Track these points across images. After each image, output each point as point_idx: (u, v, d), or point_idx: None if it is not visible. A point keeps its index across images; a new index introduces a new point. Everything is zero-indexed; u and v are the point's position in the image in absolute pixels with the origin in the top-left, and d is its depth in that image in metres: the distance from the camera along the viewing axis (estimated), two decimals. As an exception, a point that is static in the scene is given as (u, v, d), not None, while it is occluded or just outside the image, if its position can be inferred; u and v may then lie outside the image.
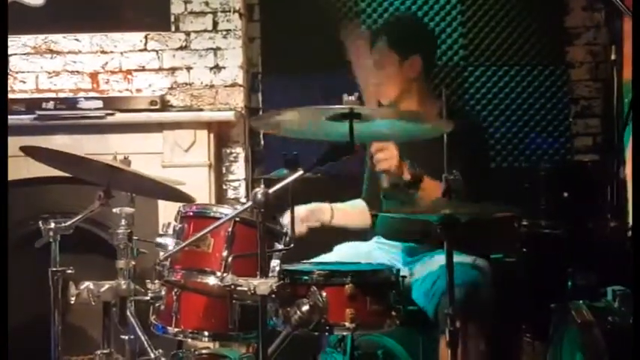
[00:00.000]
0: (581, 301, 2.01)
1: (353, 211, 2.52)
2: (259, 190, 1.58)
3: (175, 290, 1.97)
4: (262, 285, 1.59)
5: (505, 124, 3.31)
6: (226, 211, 1.89)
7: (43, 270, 3.24)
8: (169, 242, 1.90)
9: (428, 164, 1.96)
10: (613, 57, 3.25)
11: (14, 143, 3.12)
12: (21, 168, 3.18)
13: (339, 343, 2.13)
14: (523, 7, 3.30)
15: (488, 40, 3.32)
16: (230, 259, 1.78)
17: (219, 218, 1.83)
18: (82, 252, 3.11)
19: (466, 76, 3.32)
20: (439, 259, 2.12)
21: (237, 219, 1.79)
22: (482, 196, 1.88)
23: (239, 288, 1.66)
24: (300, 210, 2.33)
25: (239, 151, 3.38)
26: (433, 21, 3.29)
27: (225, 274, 1.75)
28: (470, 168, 1.95)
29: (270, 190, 1.59)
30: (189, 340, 2.23)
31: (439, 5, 3.33)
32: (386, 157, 2.03)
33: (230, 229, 1.81)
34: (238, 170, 3.34)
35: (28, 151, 2.04)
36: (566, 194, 2.64)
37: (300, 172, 1.66)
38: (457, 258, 1.84)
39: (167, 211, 3.00)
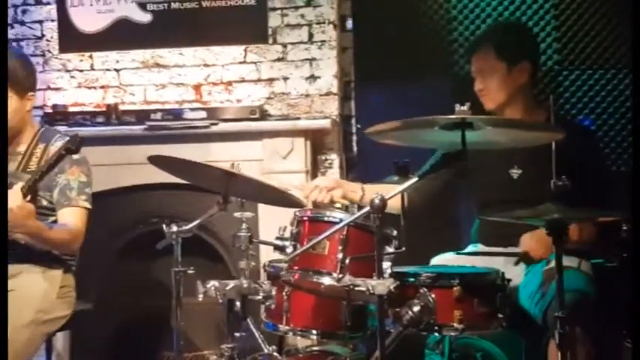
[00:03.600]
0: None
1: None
2: (377, 197, 1.68)
3: (286, 290, 2.08)
4: (380, 285, 1.68)
5: (602, 128, 3.29)
6: (340, 215, 1.99)
7: (151, 270, 3.49)
8: (287, 245, 2.03)
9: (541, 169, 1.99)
10: None
11: (123, 152, 3.40)
12: (127, 176, 3.40)
13: (437, 345, 2.19)
14: (618, 9, 3.27)
15: (582, 44, 3.31)
16: (347, 260, 1.88)
17: (333, 222, 1.93)
18: (187, 254, 3.30)
19: (561, 80, 3.32)
20: (542, 263, 2.17)
21: (352, 223, 1.89)
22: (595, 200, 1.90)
23: (357, 288, 1.76)
24: (328, 179, 2.30)
25: (334, 158, 3.49)
26: (530, 30, 3.28)
27: (342, 275, 1.85)
28: (582, 173, 1.99)
29: (387, 197, 1.68)
30: (299, 337, 2.33)
31: (532, 10, 3.34)
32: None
33: (344, 233, 1.91)
34: (333, 176, 3.43)
35: (155, 160, 2.21)
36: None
37: (414, 179, 1.75)
38: (564, 262, 1.88)
39: (266, 215, 3.15)
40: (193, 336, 3.48)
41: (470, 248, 2.52)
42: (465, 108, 1.70)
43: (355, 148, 3.54)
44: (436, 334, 1.94)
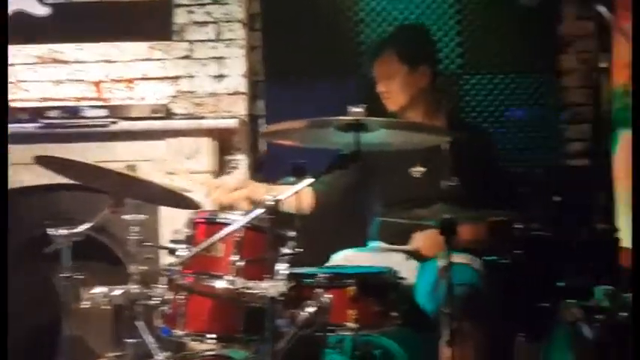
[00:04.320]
0: (571, 301, 2.10)
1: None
2: (269, 197, 1.66)
3: (182, 294, 2.03)
4: (271, 288, 1.67)
5: (499, 130, 3.40)
6: (235, 217, 1.96)
7: (46, 276, 3.34)
8: (180, 248, 1.98)
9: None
10: (603, 64, 3.35)
11: (19, 151, 3.23)
12: (22, 176, 3.25)
13: (338, 343, 2.20)
14: (518, 15, 3.37)
15: (484, 49, 3.41)
16: (241, 263, 1.86)
17: (228, 224, 1.90)
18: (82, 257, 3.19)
19: (462, 84, 3.41)
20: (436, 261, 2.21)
21: (247, 225, 1.87)
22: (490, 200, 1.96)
23: (248, 291, 1.74)
24: (232, 178, 2.30)
25: (241, 158, 3.45)
26: (430, 30, 3.35)
27: (235, 278, 1.83)
28: (477, 174, 2.05)
29: (280, 197, 1.67)
30: (195, 342, 2.28)
31: (436, 15, 3.41)
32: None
33: (240, 235, 1.88)
34: (240, 177, 3.34)
35: (42, 161, 2.11)
36: (558, 198, 2.73)
37: (310, 180, 1.75)
38: (454, 258, 1.93)
39: (168, 218, 3.07)
40: (94, 342, 3.37)
41: (370, 245, 2.55)
42: (359, 110, 1.71)
43: (263, 149, 3.51)
44: (330, 334, 1.95)
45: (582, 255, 2.51)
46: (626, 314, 1.99)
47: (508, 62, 3.40)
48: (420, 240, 2.30)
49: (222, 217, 1.97)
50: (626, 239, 2.67)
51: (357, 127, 1.72)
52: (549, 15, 3.42)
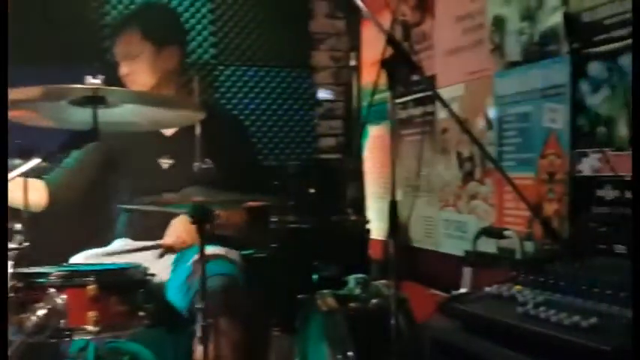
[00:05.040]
0: (325, 291, 2.09)
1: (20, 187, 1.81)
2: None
3: None
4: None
5: (255, 124, 3.36)
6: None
7: None
8: None
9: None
10: (353, 63, 3.49)
11: None
12: None
13: (80, 352, 1.97)
14: (271, 9, 3.37)
15: (238, 40, 3.34)
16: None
17: None
18: None
19: (216, 75, 3.31)
20: (191, 253, 2.07)
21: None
22: (245, 186, 1.88)
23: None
24: None
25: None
26: (182, 17, 3.19)
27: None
28: (230, 159, 1.94)
29: (-3, 180, 1.40)
30: None
31: (189, 1, 3.27)
32: None
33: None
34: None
35: None
36: (312, 190, 2.75)
37: (38, 161, 1.50)
38: (210, 250, 1.81)
39: None
40: None
41: (116, 243, 2.32)
42: (96, 80, 1.50)
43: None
44: (67, 339, 1.71)
45: (336, 246, 2.54)
46: (376, 301, 2.03)
47: (263, 55, 3.38)
48: (172, 232, 2.13)
49: None
50: (374, 230, 2.78)
51: (95, 100, 1.51)
52: (302, 11, 3.47)
